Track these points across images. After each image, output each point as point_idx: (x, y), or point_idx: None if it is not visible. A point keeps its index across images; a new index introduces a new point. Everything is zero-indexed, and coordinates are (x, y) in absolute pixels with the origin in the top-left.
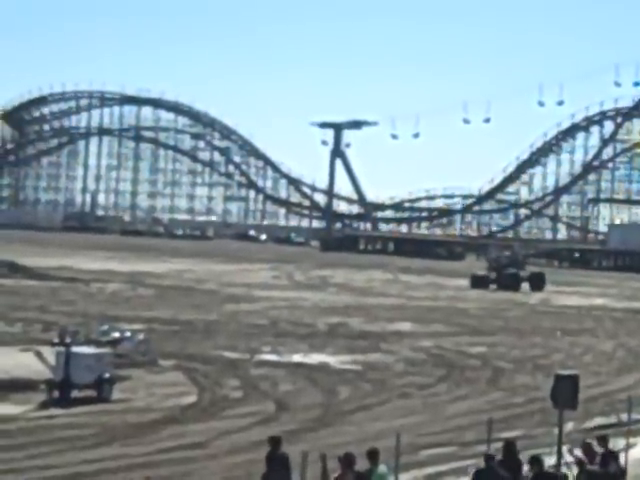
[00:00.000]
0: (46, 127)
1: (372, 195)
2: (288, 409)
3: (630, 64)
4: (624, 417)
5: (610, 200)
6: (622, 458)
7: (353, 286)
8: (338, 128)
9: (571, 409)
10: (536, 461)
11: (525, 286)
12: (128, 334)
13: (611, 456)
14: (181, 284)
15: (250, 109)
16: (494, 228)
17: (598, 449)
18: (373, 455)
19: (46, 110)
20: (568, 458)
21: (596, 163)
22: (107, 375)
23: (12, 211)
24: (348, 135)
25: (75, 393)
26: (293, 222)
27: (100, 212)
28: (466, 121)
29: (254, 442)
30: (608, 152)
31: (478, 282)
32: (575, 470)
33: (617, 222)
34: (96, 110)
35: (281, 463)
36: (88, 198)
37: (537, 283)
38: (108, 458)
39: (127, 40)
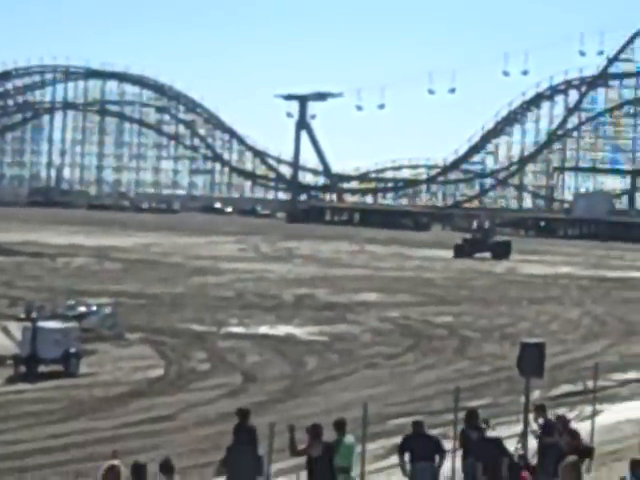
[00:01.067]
0: (10, 102)
1: (338, 166)
2: (255, 381)
3: (594, 33)
4: (590, 384)
5: (575, 169)
6: (589, 425)
7: (319, 257)
8: (303, 100)
9: (537, 377)
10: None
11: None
12: (94, 308)
13: (554, 427)
14: (147, 257)
15: (215, 82)
16: (460, 198)
17: (539, 419)
18: (340, 425)
19: (10, 85)
20: (534, 426)
21: (561, 132)
22: (74, 349)
23: None
24: (313, 107)
25: (42, 368)
26: (259, 194)
27: (66, 187)
28: (431, 91)
29: (222, 414)
30: (573, 121)
31: (461, 251)
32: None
33: (582, 191)
34: (60, 84)
35: (248, 435)
36: (53, 173)
37: (502, 252)
38: (76, 432)
39: (91, 14)
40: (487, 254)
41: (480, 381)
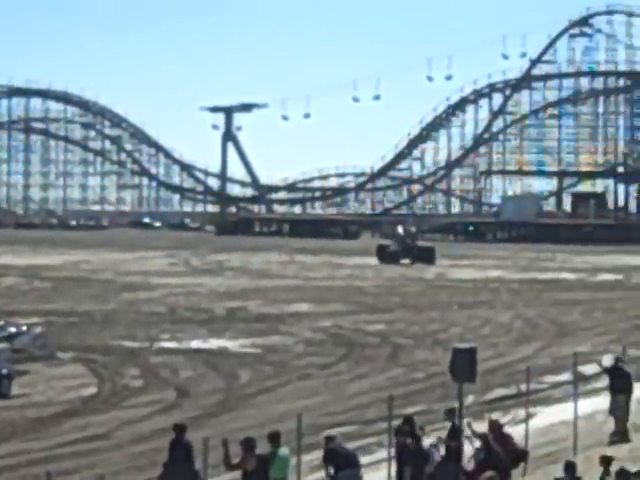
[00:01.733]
0: None
1: (265, 177)
2: (189, 395)
3: (516, 35)
4: (523, 387)
5: (502, 172)
6: (523, 428)
7: (250, 269)
8: (228, 111)
9: (470, 382)
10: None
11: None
12: (25, 328)
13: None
14: (77, 275)
15: (140, 96)
16: (388, 205)
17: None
18: (274, 437)
19: None
20: (467, 432)
21: (487, 136)
22: (5, 371)
23: None
24: (239, 118)
25: None
26: (187, 208)
27: None
28: (356, 99)
29: (156, 430)
30: (498, 124)
31: (386, 256)
32: (477, 443)
33: (510, 194)
34: None
35: (184, 451)
36: None
37: (427, 257)
38: (8, 455)
39: (13, 31)
40: (407, 260)
41: (414, 388)
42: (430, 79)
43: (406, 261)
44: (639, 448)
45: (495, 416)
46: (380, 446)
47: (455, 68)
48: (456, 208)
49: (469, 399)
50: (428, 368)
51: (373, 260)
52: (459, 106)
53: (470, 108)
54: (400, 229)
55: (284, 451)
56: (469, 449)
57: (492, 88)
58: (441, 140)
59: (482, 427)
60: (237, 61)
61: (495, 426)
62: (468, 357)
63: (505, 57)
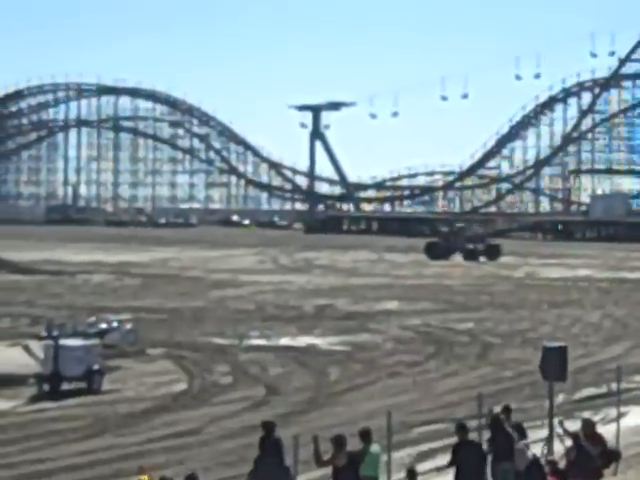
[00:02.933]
0: (25, 121)
1: (353, 175)
2: (278, 393)
3: (605, 34)
4: (614, 387)
5: (591, 171)
6: (614, 428)
7: (338, 267)
8: (316, 110)
9: (560, 381)
10: (461, 428)
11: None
12: (115, 324)
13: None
14: (167, 272)
15: (228, 95)
16: (477, 204)
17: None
18: (365, 435)
19: (24, 104)
20: (559, 430)
21: (575, 134)
22: (96, 366)
23: None
24: (327, 116)
25: (65, 386)
26: (276, 206)
27: (82, 204)
28: (444, 97)
29: (246, 427)
30: (587, 123)
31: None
32: (568, 442)
33: (599, 192)
34: (74, 102)
35: (274, 447)
36: (70, 190)
37: (493, 254)
38: (101, 449)
39: (103, 30)
40: (459, 256)
41: (503, 386)
42: (519, 78)
43: (458, 257)
44: None
45: (586, 415)
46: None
47: (544, 66)
48: (545, 207)
49: (559, 398)
50: (517, 367)
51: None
52: (548, 105)
53: (559, 107)
54: (445, 228)
55: (375, 448)
56: (560, 448)
57: (581, 87)
58: (530, 139)
59: (573, 426)
60: (325, 59)
61: (588, 425)
62: (559, 356)
63: (594, 55)
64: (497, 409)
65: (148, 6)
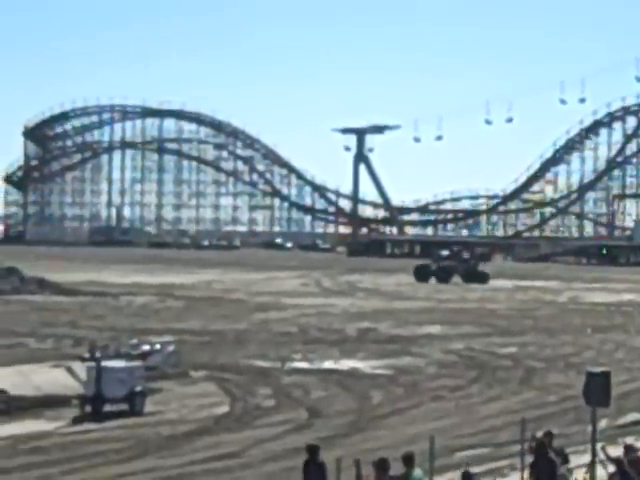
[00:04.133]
0: (69, 142)
1: (397, 199)
2: (321, 416)
3: None
4: None
5: (636, 195)
6: None
7: (381, 290)
8: (360, 133)
9: (604, 406)
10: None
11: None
12: (158, 346)
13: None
14: (210, 294)
15: (272, 118)
16: (520, 228)
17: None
18: (408, 459)
19: (69, 125)
20: (602, 456)
21: (620, 159)
22: (139, 388)
23: (39, 228)
24: (371, 140)
25: (107, 407)
26: (319, 228)
27: (126, 225)
28: (488, 122)
29: (288, 450)
30: (632, 147)
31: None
32: (610, 468)
33: None
34: (118, 124)
35: (318, 471)
36: (113, 212)
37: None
38: (143, 471)
39: (148, 53)
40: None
41: (546, 411)
42: (563, 102)
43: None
44: None
45: (629, 441)
46: (512, 469)
47: (588, 91)
48: (589, 231)
49: (602, 423)
50: (561, 391)
51: (505, 283)
52: (592, 129)
53: (603, 131)
54: (442, 252)
55: (418, 473)
56: (603, 473)
57: (626, 111)
58: (574, 163)
59: (615, 452)
60: (370, 82)
61: (630, 451)
62: (602, 381)
63: (639, 80)
64: (539, 434)
65: (194, 28)
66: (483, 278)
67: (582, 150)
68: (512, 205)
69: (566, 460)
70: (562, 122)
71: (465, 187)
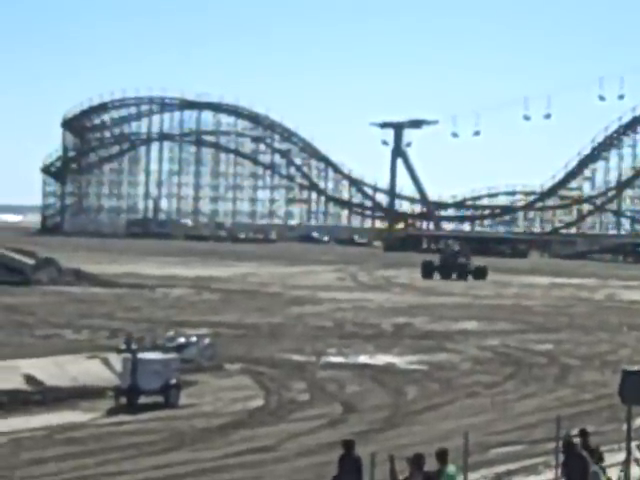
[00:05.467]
0: (107, 134)
1: (434, 194)
2: (356, 410)
3: None
4: None
5: None
6: None
7: (417, 286)
8: (398, 128)
9: (639, 405)
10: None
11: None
12: (194, 339)
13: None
14: (246, 288)
15: (310, 111)
16: (557, 224)
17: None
18: (442, 455)
19: (107, 117)
20: (637, 454)
21: None
22: (174, 380)
23: (76, 219)
24: (408, 134)
25: (143, 399)
26: (356, 223)
27: (163, 217)
28: (526, 117)
29: (323, 444)
30: None
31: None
32: None
33: None
34: (156, 116)
35: (354, 465)
36: (150, 204)
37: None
38: (177, 463)
39: (186, 45)
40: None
41: (581, 409)
42: (602, 98)
43: (453, 276)
44: None
45: None
46: (547, 466)
47: (627, 87)
48: (626, 228)
49: (638, 422)
50: (596, 389)
51: (542, 279)
52: (631, 126)
53: None
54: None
55: (452, 469)
56: (638, 472)
57: None
58: (612, 160)
59: None
60: (409, 77)
61: None
62: (638, 379)
63: None
64: (573, 432)
65: (235, 20)
66: (479, 274)
67: (620, 147)
68: (549, 202)
69: (601, 459)
70: (600, 119)
71: (502, 183)
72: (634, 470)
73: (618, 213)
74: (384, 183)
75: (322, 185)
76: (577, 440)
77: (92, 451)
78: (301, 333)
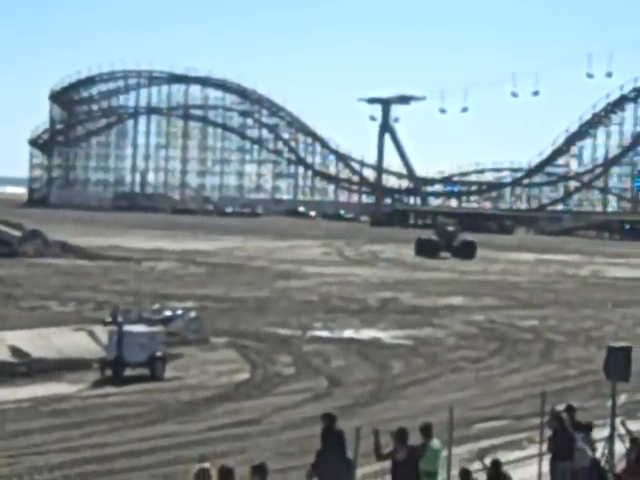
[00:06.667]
0: (95, 107)
1: (421, 170)
2: (341, 385)
3: None
4: None
5: None
6: None
7: (404, 261)
8: (386, 103)
9: (624, 381)
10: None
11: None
12: (180, 312)
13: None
14: (232, 261)
15: (298, 86)
16: (544, 201)
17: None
18: (426, 429)
19: (94, 90)
20: (621, 430)
21: None
22: (159, 353)
23: (63, 191)
24: (396, 110)
25: (128, 371)
26: (342, 198)
27: (150, 191)
28: (514, 94)
29: (307, 418)
30: None
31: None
32: (627, 443)
33: None
34: (144, 89)
35: (337, 440)
36: (138, 177)
37: (467, 252)
38: (162, 436)
39: (174, 19)
40: (448, 254)
41: (566, 385)
42: (590, 76)
43: (446, 255)
44: None
45: None
46: (531, 442)
47: (615, 65)
48: (613, 206)
49: (622, 398)
50: (581, 365)
51: (528, 256)
52: (619, 104)
53: (630, 106)
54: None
55: (436, 443)
56: (622, 448)
57: None
58: (599, 137)
59: (635, 426)
60: (396, 53)
61: None
62: (623, 356)
63: None
64: (559, 407)
65: None
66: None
67: (608, 125)
68: (536, 178)
69: (590, 428)
70: (588, 96)
71: (490, 159)
72: (618, 446)
73: (605, 190)
74: (371, 158)
75: (309, 160)
76: (565, 415)
77: (77, 423)
78: (287, 307)
